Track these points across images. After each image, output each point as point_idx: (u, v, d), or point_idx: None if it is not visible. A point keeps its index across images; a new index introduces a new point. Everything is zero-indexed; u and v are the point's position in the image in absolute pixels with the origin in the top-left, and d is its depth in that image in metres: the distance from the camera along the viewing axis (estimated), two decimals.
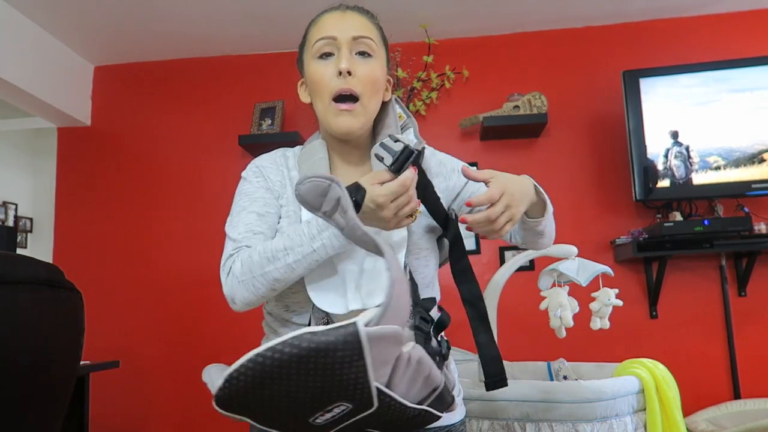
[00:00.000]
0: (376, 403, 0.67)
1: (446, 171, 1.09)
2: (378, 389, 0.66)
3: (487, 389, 0.98)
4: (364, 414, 0.69)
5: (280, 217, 1.02)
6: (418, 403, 0.76)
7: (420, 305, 0.88)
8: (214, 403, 0.63)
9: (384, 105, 1.07)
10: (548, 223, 1.05)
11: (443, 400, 0.82)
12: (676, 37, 2.81)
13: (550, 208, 1.01)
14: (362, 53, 1.00)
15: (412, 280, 0.91)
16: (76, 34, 2.81)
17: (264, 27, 2.79)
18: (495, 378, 0.97)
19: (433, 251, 1.03)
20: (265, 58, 3.04)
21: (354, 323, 0.60)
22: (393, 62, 2.79)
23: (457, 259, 1.01)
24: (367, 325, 0.61)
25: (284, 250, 0.88)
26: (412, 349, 0.72)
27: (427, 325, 0.85)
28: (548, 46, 2.89)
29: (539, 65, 2.88)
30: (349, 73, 0.97)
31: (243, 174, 1.08)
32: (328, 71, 0.98)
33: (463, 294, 1.00)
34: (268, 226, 0.99)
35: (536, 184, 0.97)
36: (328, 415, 0.66)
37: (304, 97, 1.08)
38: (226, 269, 0.94)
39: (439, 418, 0.82)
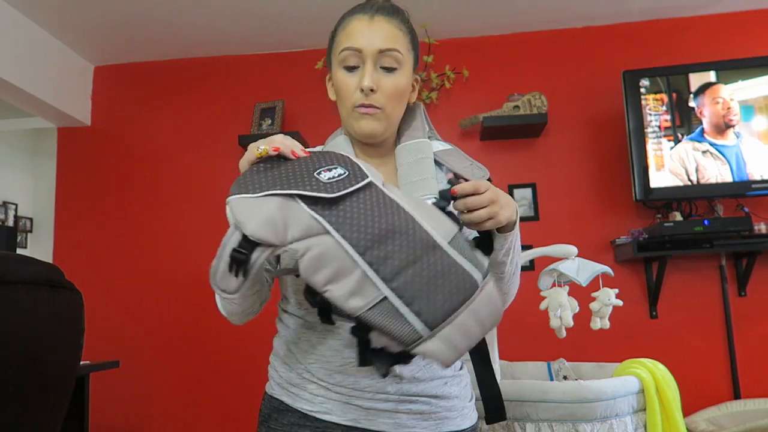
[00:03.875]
0: (368, 175, 0.79)
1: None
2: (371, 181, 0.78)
3: (488, 423, 1.04)
4: (362, 184, 0.77)
5: None
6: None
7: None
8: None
9: (410, 107, 1.10)
10: (513, 277, 1.04)
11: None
12: (676, 37, 2.81)
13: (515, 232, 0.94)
14: (387, 68, 1.00)
15: None
16: (76, 34, 2.81)
17: (264, 27, 2.79)
18: (495, 414, 1.03)
19: None
20: (265, 58, 3.04)
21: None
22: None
23: None
24: None
25: None
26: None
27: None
28: (548, 46, 2.89)
29: (539, 65, 2.88)
30: (372, 90, 0.98)
31: None
32: (353, 83, 0.99)
33: None
34: None
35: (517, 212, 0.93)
36: (329, 174, 0.77)
37: (332, 94, 1.08)
38: None
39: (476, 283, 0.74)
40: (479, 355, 1.03)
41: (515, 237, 0.95)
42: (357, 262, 0.71)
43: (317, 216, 0.73)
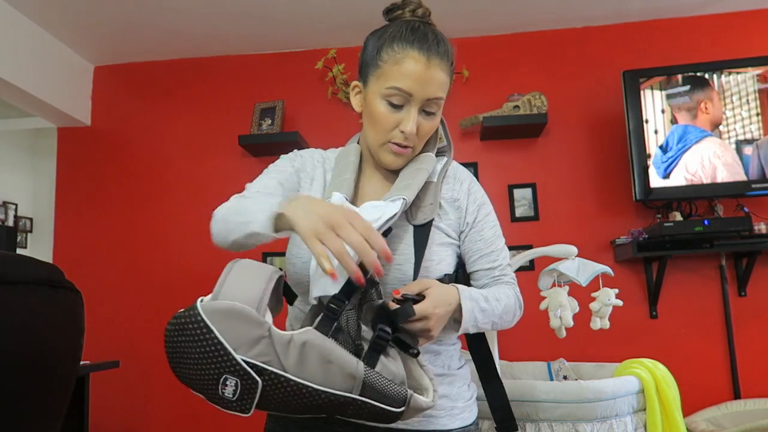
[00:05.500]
0: (258, 379, 0.73)
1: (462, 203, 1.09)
2: (254, 365, 0.73)
3: None
4: (259, 390, 0.74)
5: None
6: (345, 392, 0.76)
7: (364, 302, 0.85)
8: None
9: None
10: (500, 322, 1.03)
11: (383, 393, 0.77)
12: (676, 37, 2.81)
13: (466, 327, 0.96)
14: (429, 112, 1.01)
15: (377, 292, 0.87)
16: (76, 34, 2.81)
17: (264, 27, 2.79)
18: (505, 424, 1.06)
19: (445, 260, 1.02)
20: (265, 58, 3.04)
21: (195, 302, 0.74)
22: None
23: None
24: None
25: (245, 209, 0.90)
26: (299, 332, 0.76)
27: (331, 314, 0.82)
28: (548, 46, 2.89)
29: (539, 65, 2.88)
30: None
31: (281, 156, 1.13)
32: (393, 119, 0.99)
33: (472, 346, 1.07)
34: (282, 193, 1.03)
35: (463, 302, 0.94)
36: (229, 390, 0.74)
37: (357, 105, 1.07)
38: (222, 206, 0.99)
39: (395, 414, 0.78)
40: (486, 370, 1.05)
41: (475, 318, 0.95)
42: None
43: None
